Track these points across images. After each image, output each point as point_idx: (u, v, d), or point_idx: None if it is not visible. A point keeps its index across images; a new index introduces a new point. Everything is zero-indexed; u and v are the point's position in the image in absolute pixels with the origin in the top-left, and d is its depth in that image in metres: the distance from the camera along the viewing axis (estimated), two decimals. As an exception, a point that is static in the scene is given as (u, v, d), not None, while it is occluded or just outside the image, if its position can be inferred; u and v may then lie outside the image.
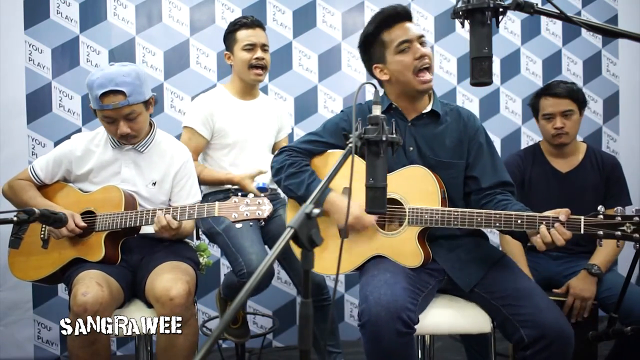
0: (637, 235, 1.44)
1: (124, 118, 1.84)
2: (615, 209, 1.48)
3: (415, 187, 1.71)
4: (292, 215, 1.92)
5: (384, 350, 1.50)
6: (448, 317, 1.72)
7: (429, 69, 1.74)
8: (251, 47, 2.33)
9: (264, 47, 2.36)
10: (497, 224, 1.56)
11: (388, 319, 1.48)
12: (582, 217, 1.49)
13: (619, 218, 1.46)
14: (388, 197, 1.71)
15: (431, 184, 1.70)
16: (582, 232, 1.48)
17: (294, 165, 1.82)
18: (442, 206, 1.67)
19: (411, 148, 1.78)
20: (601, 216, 1.47)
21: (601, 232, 1.47)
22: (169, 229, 1.80)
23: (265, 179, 2.30)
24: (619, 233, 1.45)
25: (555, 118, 2.21)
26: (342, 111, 1.93)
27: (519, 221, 1.53)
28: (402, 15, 1.75)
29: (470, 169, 1.79)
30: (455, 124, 1.81)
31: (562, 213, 1.49)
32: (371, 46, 1.80)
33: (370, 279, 1.63)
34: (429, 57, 1.74)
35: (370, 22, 1.79)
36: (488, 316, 1.68)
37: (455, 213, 1.62)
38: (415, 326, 1.55)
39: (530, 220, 1.52)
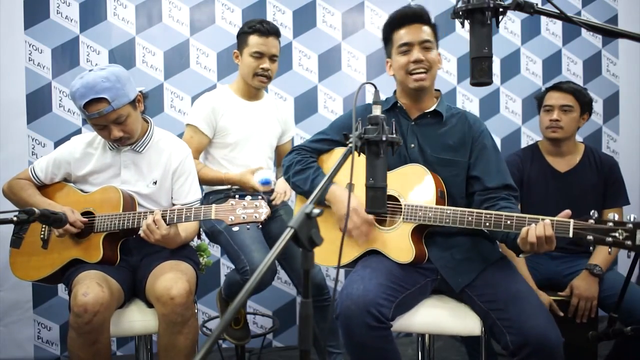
0: (629, 242, 1.37)
1: (113, 123, 1.81)
2: (609, 214, 1.42)
3: (413, 185, 1.74)
4: (299, 209, 1.96)
5: (358, 343, 1.56)
6: (437, 316, 1.73)
7: (425, 72, 1.77)
8: (259, 56, 2.32)
9: (272, 58, 2.35)
10: (487, 224, 1.57)
11: (358, 313, 1.53)
12: (572, 220, 1.44)
13: (611, 224, 1.39)
14: (388, 194, 1.74)
15: (428, 182, 1.72)
16: (570, 235, 1.44)
17: (301, 162, 1.90)
18: (438, 205, 1.68)
19: (412, 145, 1.82)
20: (592, 220, 1.42)
21: (591, 237, 1.41)
22: (154, 229, 1.74)
23: (268, 175, 2.24)
24: (610, 239, 1.38)
25: (553, 111, 2.23)
26: (350, 110, 1.96)
27: (509, 222, 1.53)
28: (410, 17, 1.79)
29: (473, 168, 1.80)
30: (459, 125, 1.84)
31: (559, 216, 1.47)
32: (387, 42, 1.87)
33: (352, 273, 1.70)
34: (429, 62, 1.77)
35: (386, 20, 1.86)
36: (479, 319, 1.69)
37: (448, 211, 1.64)
38: (392, 322, 1.60)
39: (519, 221, 1.52)
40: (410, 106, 1.86)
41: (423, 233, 1.74)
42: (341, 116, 2.02)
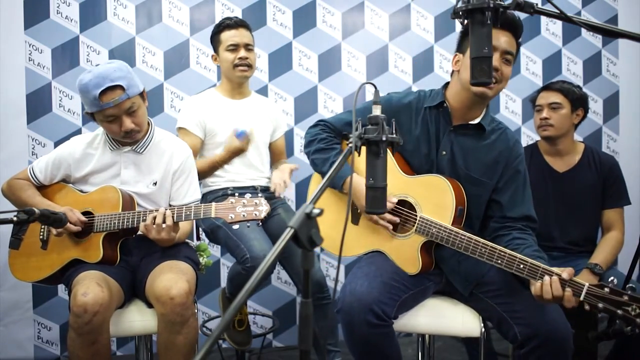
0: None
1: (126, 113, 1.82)
2: (628, 285, 1.38)
3: (432, 197, 1.69)
4: (315, 188, 1.95)
5: (357, 338, 1.56)
6: (437, 317, 1.73)
7: (495, 83, 1.66)
8: (234, 48, 2.37)
9: (247, 47, 2.39)
10: (500, 261, 1.54)
11: (360, 310, 1.53)
12: (586, 284, 1.40)
13: (626, 297, 1.35)
14: (404, 199, 1.73)
15: (448, 199, 1.67)
16: (581, 298, 1.40)
17: (324, 140, 1.88)
18: (454, 223, 1.65)
19: (444, 152, 1.75)
20: (607, 289, 1.38)
21: (601, 306, 1.37)
22: (159, 226, 1.75)
23: (240, 128, 2.26)
24: (620, 312, 1.35)
25: (543, 110, 2.24)
26: (388, 94, 1.88)
27: (522, 266, 1.50)
28: (505, 22, 1.63)
29: (499, 193, 1.75)
30: (498, 143, 1.76)
31: (566, 271, 1.44)
32: (465, 36, 1.73)
33: (356, 269, 1.69)
34: (503, 75, 1.66)
35: None
36: (479, 320, 1.69)
37: (462, 237, 1.60)
38: (394, 320, 1.60)
39: (532, 269, 1.48)
40: (456, 111, 1.75)
41: (433, 245, 1.72)
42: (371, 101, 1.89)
